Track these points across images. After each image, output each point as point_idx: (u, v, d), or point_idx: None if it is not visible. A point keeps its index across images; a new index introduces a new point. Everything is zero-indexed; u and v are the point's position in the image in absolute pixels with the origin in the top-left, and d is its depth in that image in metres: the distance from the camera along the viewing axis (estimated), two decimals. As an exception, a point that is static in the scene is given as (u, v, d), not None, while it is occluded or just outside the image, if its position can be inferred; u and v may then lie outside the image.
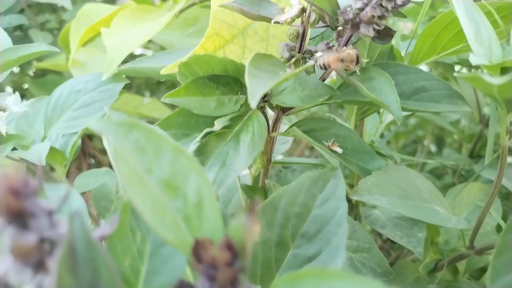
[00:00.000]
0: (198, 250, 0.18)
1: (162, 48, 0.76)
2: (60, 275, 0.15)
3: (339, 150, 0.37)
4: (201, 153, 0.32)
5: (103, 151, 1.05)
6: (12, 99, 0.43)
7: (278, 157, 0.57)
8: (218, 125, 0.33)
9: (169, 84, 1.04)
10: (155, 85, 1.13)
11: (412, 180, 0.36)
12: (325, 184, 0.29)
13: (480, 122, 0.78)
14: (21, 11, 0.96)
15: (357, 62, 0.31)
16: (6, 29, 0.90)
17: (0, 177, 0.16)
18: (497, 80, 0.23)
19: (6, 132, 0.42)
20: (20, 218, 0.16)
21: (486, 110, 0.79)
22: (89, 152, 1.01)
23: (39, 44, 0.39)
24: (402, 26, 0.92)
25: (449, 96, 0.39)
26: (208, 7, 0.59)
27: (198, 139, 0.32)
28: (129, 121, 0.20)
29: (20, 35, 0.98)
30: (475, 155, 0.84)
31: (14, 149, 0.44)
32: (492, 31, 0.35)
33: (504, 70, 0.30)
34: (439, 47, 0.44)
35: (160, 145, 0.20)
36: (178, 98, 0.32)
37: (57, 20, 0.99)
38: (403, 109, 0.38)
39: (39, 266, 0.16)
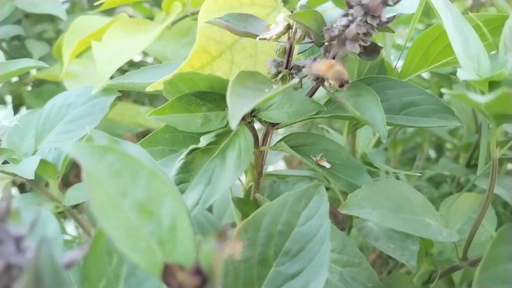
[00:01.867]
0: (167, 274, 0.18)
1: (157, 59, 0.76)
2: (25, 305, 0.15)
3: (327, 165, 0.37)
4: (187, 170, 0.32)
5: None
6: (3, 113, 0.43)
7: (270, 168, 0.57)
8: (203, 142, 0.33)
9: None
10: (153, 93, 1.12)
11: (403, 193, 0.35)
12: (309, 202, 0.29)
13: (477, 132, 0.78)
14: (18, 21, 0.96)
15: (342, 85, 0.31)
16: (3, 40, 0.91)
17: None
18: (482, 99, 0.23)
19: (-3, 147, 0.42)
20: (-14, 246, 0.16)
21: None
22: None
23: (28, 60, 0.40)
24: (401, 32, 0.92)
25: (439, 110, 0.39)
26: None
27: (183, 155, 0.32)
28: (104, 145, 0.20)
29: (17, 45, 0.98)
30: (472, 165, 0.83)
31: (5, 162, 0.44)
32: (480, 44, 0.35)
33: (492, 84, 0.30)
34: (430, 59, 0.44)
35: (136, 168, 0.20)
36: (164, 116, 0.32)
37: (54, 30, 0.99)
38: (392, 124, 0.38)
39: (5, 295, 0.16)
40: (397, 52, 0.68)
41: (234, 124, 0.25)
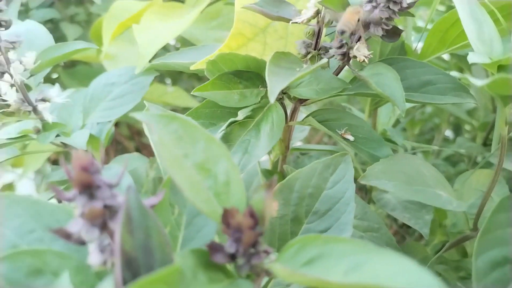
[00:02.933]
0: (227, 217, 0.22)
1: (187, 41, 0.80)
2: (122, 236, 0.20)
3: (351, 138, 0.41)
4: (226, 140, 0.36)
5: (129, 138, 1.10)
6: (55, 91, 0.48)
7: (296, 144, 0.61)
8: (241, 115, 0.37)
9: (191, 73, 1.08)
10: (177, 74, 1.16)
11: (418, 167, 0.39)
12: (336, 168, 0.33)
13: (494, 111, 0.80)
14: (52, 4, 1.01)
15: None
16: (38, 23, 0.96)
17: (73, 157, 0.20)
18: (479, 82, 0.26)
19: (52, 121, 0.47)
20: (89, 189, 0.20)
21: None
22: (115, 139, 1.06)
23: (79, 42, 0.44)
24: (422, 14, 0.94)
25: (454, 89, 0.42)
26: (230, 4, 0.63)
27: (223, 128, 0.36)
28: (169, 113, 0.24)
29: (51, 27, 1.03)
30: (489, 144, 0.85)
31: (57, 136, 0.49)
32: (494, 29, 0.38)
33: (501, 68, 0.33)
34: (448, 42, 0.47)
35: (195, 134, 0.25)
36: (206, 92, 0.36)
37: (85, 12, 1.03)
38: (411, 101, 0.41)
39: (103, 227, 0.21)
40: (417, 34, 0.70)
41: (272, 98, 0.29)
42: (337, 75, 0.40)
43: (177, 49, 1.00)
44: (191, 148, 0.25)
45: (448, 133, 1.06)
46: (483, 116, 0.86)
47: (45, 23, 1.01)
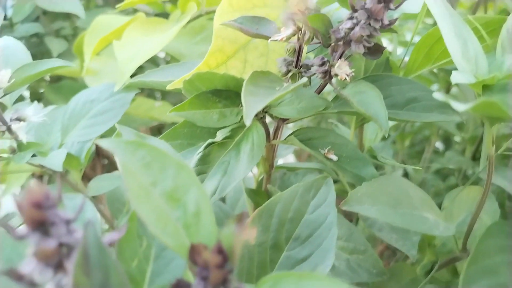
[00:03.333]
0: (193, 254, 0.20)
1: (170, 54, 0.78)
2: (76, 276, 0.18)
3: (334, 158, 0.39)
4: (204, 162, 0.35)
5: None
6: (31, 110, 0.46)
7: (281, 161, 0.60)
8: (219, 136, 0.36)
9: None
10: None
11: (403, 188, 0.38)
12: (317, 192, 0.32)
13: (482, 125, 0.80)
14: (37, 18, 0.99)
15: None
16: (23, 37, 0.94)
17: (24, 192, 0.19)
18: (461, 107, 0.25)
19: (27, 141, 0.45)
20: (42, 226, 0.19)
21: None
22: (102, 153, 1.04)
23: (56, 60, 0.42)
24: (410, 26, 0.94)
25: (440, 106, 0.41)
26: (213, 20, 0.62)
27: (201, 149, 0.35)
28: (136, 140, 0.23)
29: (36, 41, 1.01)
30: (478, 157, 0.85)
31: (33, 155, 0.47)
32: (479, 46, 0.37)
33: (485, 87, 0.32)
34: (433, 58, 0.46)
35: (164, 161, 0.23)
36: (183, 112, 0.35)
37: (71, 26, 1.02)
38: (396, 119, 0.40)
39: (58, 267, 0.19)
40: (404, 48, 0.70)
41: (248, 121, 0.28)
42: (319, 93, 0.39)
43: (167, 62, 0.99)
44: (160, 175, 0.23)
45: (439, 144, 1.05)
46: (472, 129, 0.85)
47: (30, 37, 1.00)
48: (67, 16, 1.02)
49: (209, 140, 0.35)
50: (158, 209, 0.22)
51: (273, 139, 0.44)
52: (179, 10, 0.64)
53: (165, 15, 1.00)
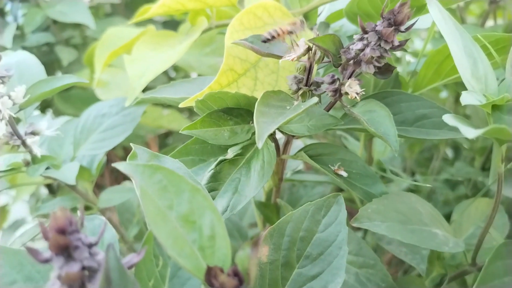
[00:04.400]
0: (210, 276, 0.21)
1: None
2: (98, 300, 0.19)
3: (344, 174, 0.40)
4: (216, 179, 0.36)
5: (123, 159, 1.09)
6: (45, 123, 0.47)
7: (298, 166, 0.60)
8: (231, 153, 0.36)
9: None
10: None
11: (413, 204, 0.38)
12: (328, 210, 0.32)
13: (491, 136, 0.80)
14: (47, 28, 1.01)
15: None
16: (34, 47, 0.96)
17: (50, 219, 0.19)
18: (471, 134, 0.26)
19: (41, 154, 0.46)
20: (66, 250, 0.20)
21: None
22: (111, 160, 1.05)
23: (70, 77, 0.43)
24: (422, 34, 0.94)
25: (448, 123, 0.41)
26: (222, 34, 0.63)
27: (212, 166, 0.36)
28: (153, 164, 0.23)
29: (46, 50, 1.03)
30: (487, 167, 0.85)
31: (47, 168, 0.48)
32: (488, 65, 0.38)
33: (496, 107, 0.32)
34: (443, 74, 0.46)
35: (180, 184, 0.24)
36: (195, 130, 0.36)
37: (81, 36, 1.03)
38: (405, 136, 0.41)
39: (81, 291, 0.20)
40: (413, 58, 0.70)
41: (260, 144, 0.28)
42: (328, 110, 0.39)
43: (175, 69, 0.99)
44: (176, 199, 0.24)
45: (448, 151, 1.05)
46: (481, 140, 0.85)
47: (41, 46, 1.01)
48: (77, 26, 1.03)
49: (220, 158, 0.36)
50: (175, 232, 0.23)
51: (283, 153, 0.44)
52: (188, 22, 0.65)
53: (173, 22, 1.01)
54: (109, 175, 1.05)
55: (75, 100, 0.96)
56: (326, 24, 0.47)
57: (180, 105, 0.38)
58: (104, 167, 0.83)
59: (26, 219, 1.06)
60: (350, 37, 0.48)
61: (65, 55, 0.98)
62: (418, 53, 0.78)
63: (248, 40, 0.38)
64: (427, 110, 0.42)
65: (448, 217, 0.60)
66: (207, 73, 0.68)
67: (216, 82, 0.38)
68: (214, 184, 0.36)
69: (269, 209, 0.49)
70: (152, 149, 1.07)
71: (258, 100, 0.33)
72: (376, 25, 0.34)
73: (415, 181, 0.87)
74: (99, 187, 1.00)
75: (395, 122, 0.38)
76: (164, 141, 1.12)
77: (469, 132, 0.26)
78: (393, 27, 0.32)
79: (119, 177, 0.96)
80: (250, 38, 0.38)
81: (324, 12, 0.50)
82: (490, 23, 0.77)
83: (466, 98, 0.31)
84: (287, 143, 0.44)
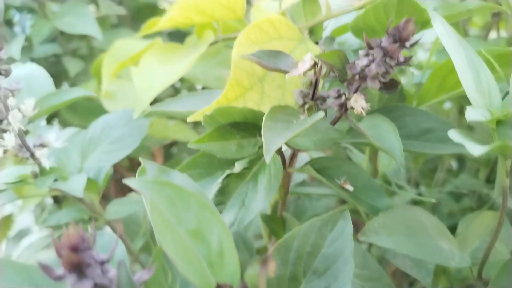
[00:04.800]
0: (220, 294, 0.21)
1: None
2: (110, 317, 0.19)
3: (350, 188, 0.40)
4: (223, 193, 0.36)
5: (129, 169, 1.10)
6: (54, 135, 0.48)
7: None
8: (238, 167, 0.37)
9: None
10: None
11: (418, 218, 0.38)
12: (334, 225, 0.32)
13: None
14: (54, 38, 1.02)
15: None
16: (41, 58, 0.97)
17: (64, 235, 0.20)
18: (476, 151, 0.26)
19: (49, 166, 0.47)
20: (78, 268, 0.20)
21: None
22: (116, 170, 1.06)
23: (79, 90, 0.44)
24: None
25: (454, 137, 0.41)
26: (229, 47, 0.63)
27: (220, 180, 0.36)
28: (163, 180, 0.24)
29: (53, 61, 1.04)
30: (492, 179, 0.85)
31: (55, 180, 0.49)
32: (492, 78, 0.38)
33: (500, 123, 0.33)
34: (447, 87, 0.47)
35: (189, 200, 0.24)
36: (203, 144, 0.36)
37: (88, 46, 1.04)
38: (410, 151, 0.41)
39: (93, 308, 0.20)
40: (418, 70, 0.70)
41: (268, 158, 0.28)
42: (334, 124, 0.40)
43: (177, 90, 1.00)
44: (185, 214, 0.24)
45: (452, 162, 1.05)
46: (485, 152, 0.85)
47: (48, 57, 1.02)
48: (84, 36, 1.04)
49: (227, 172, 0.36)
50: (184, 247, 0.23)
51: (289, 166, 0.45)
52: (194, 34, 0.65)
53: (179, 33, 1.02)
54: (115, 185, 1.05)
55: (82, 110, 0.97)
56: (331, 39, 0.48)
57: (188, 120, 0.38)
58: (111, 178, 0.83)
59: (31, 228, 1.06)
60: (355, 51, 0.49)
61: (72, 66, 0.99)
62: (422, 64, 0.78)
63: (255, 55, 0.38)
64: (432, 124, 0.42)
65: (452, 229, 0.60)
66: (213, 85, 0.69)
67: (223, 97, 0.39)
68: (221, 198, 0.36)
69: (275, 222, 0.49)
70: (158, 159, 1.08)
71: (266, 114, 0.33)
72: (381, 41, 0.34)
73: (420, 193, 0.87)
74: (105, 197, 1.00)
75: (401, 136, 0.38)
76: (169, 151, 1.13)
77: (475, 150, 0.26)
78: (398, 44, 0.33)
79: (125, 188, 0.97)
80: (257, 53, 0.39)
81: (329, 26, 0.51)
82: (493, 34, 0.78)
83: (471, 114, 0.32)
84: (293, 156, 0.44)
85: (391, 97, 0.47)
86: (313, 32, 0.49)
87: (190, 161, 0.39)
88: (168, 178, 0.30)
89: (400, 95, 0.48)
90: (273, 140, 0.30)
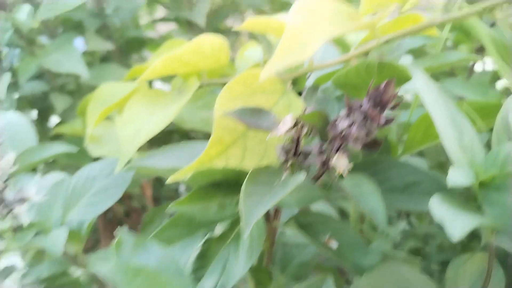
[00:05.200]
0: None
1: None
2: None
3: (334, 245, 0.39)
4: (203, 257, 0.35)
5: (118, 201, 1.09)
6: (34, 189, 0.47)
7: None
8: (218, 230, 0.36)
9: (181, 133, 1.08)
10: (167, 135, 1.15)
11: (405, 276, 0.38)
12: (317, 293, 0.32)
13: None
14: (42, 74, 1.01)
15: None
16: (27, 95, 0.96)
17: None
18: (456, 235, 0.25)
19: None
20: None
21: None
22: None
23: (59, 145, 0.43)
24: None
25: (439, 189, 0.41)
26: (216, 94, 0.63)
27: (199, 244, 0.35)
28: (135, 268, 0.23)
29: (41, 97, 1.03)
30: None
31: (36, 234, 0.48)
32: (474, 133, 0.38)
33: (483, 185, 0.32)
34: (431, 136, 0.47)
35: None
36: (183, 206, 0.35)
37: (75, 82, 1.04)
38: (395, 207, 0.41)
39: None
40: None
41: (246, 233, 0.28)
42: (316, 180, 0.39)
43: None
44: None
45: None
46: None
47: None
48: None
49: (208, 236, 0.36)
50: None
51: (274, 219, 0.44)
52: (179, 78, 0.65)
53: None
54: (103, 218, 1.04)
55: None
56: (314, 88, 0.48)
57: (168, 181, 0.38)
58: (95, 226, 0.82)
59: (16, 266, 1.04)
60: (340, 97, 0.49)
61: (60, 103, 0.99)
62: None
63: (236, 113, 0.38)
64: (417, 177, 0.42)
65: (444, 264, 0.58)
66: (200, 127, 0.69)
67: (205, 154, 0.38)
68: (202, 262, 0.35)
69: (261, 273, 0.48)
70: (147, 191, 1.07)
71: (247, 179, 0.33)
72: (361, 104, 0.34)
73: (410, 224, 0.86)
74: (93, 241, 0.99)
75: (385, 190, 0.38)
76: (160, 182, 1.11)
77: (455, 233, 0.25)
78: (378, 108, 0.33)
79: (115, 229, 0.95)
80: (239, 110, 0.38)
81: (313, 75, 0.51)
82: (479, 66, 0.78)
83: (453, 178, 0.31)
84: (277, 210, 0.44)
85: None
86: (296, 82, 0.49)
87: (170, 221, 0.38)
88: (144, 253, 0.29)
89: (384, 145, 0.47)
90: (251, 210, 0.29)
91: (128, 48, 1.16)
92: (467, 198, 0.38)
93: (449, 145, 0.35)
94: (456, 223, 0.26)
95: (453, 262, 0.59)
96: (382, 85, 0.33)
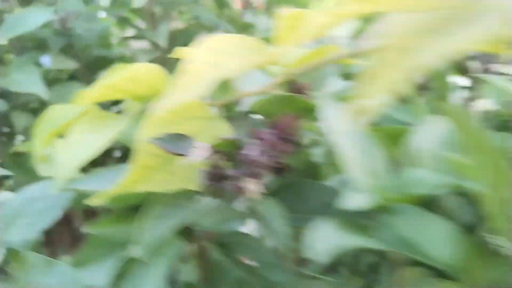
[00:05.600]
0: None
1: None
2: None
3: (254, 265, 0.42)
4: (120, 278, 0.37)
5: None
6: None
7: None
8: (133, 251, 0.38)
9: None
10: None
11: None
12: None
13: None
14: (3, 93, 1.02)
15: None
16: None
17: None
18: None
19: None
20: None
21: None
22: (71, 220, 1.06)
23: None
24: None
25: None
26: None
27: (116, 263, 0.37)
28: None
29: (3, 115, 1.03)
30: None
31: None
32: (382, 159, 0.41)
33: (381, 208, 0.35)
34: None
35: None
36: (100, 229, 0.37)
37: (38, 100, 1.05)
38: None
39: None
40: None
41: (139, 251, 0.30)
42: (231, 203, 0.42)
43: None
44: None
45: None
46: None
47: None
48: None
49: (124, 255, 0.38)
50: None
51: (203, 239, 0.46)
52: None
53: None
54: (69, 234, 1.04)
55: (27, 166, 0.96)
56: (246, 114, 0.50)
57: (88, 203, 0.40)
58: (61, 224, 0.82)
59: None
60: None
61: (21, 121, 0.99)
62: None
63: (157, 139, 0.40)
64: (332, 198, 0.44)
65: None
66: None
67: (128, 179, 0.40)
68: (117, 283, 0.37)
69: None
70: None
71: (156, 203, 0.35)
72: (267, 134, 0.36)
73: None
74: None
75: (304, 211, 0.40)
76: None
77: (317, 253, 0.28)
78: (281, 140, 0.35)
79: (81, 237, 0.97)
80: (160, 137, 0.40)
81: (246, 101, 0.53)
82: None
83: (350, 201, 0.34)
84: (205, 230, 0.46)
85: (300, 169, 0.49)
86: (229, 108, 0.51)
87: (87, 242, 0.39)
88: (51, 273, 0.30)
89: (309, 166, 0.50)
90: (150, 230, 0.31)
91: (95, 66, 1.18)
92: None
93: (352, 171, 0.37)
94: (321, 244, 0.28)
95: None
96: (286, 120, 0.36)
